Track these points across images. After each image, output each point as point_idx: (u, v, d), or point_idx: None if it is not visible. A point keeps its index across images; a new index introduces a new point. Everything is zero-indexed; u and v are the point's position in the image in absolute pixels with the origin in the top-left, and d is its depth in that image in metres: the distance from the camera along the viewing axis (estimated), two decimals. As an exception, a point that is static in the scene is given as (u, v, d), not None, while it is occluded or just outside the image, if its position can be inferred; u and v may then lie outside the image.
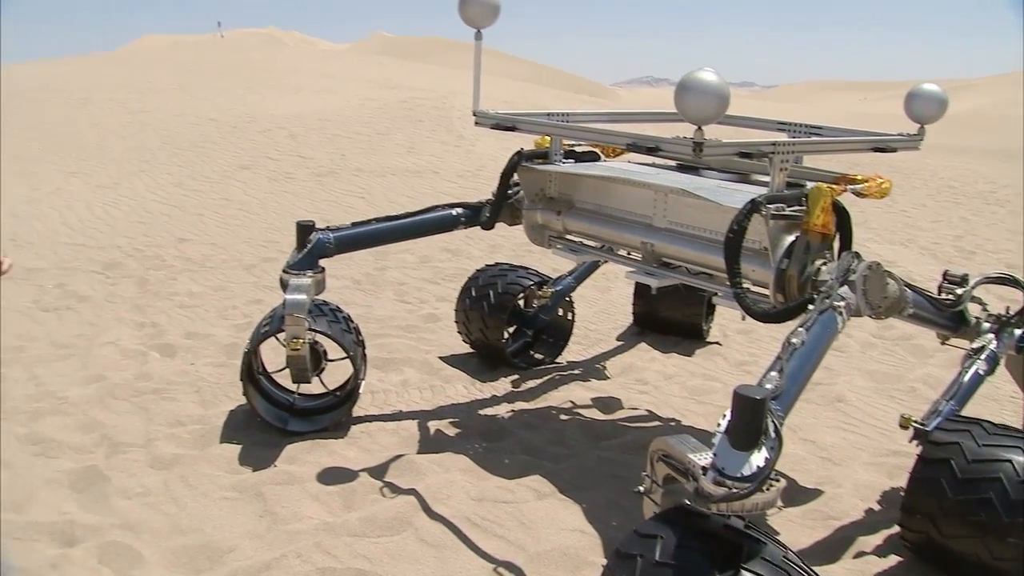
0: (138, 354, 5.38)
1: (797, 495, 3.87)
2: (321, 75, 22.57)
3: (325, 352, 4.38)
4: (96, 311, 6.26)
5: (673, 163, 4.35)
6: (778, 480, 2.33)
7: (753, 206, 3.16)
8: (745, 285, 3.31)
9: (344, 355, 4.32)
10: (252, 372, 4.37)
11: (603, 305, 6.58)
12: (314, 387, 4.48)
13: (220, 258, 7.78)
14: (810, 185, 3.36)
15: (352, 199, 10.31)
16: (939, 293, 3.84)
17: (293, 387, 4.42)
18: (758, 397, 2.32)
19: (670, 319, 5.77)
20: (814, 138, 4.31)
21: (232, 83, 20.19)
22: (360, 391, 4.43)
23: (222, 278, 7.16)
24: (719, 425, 2.38)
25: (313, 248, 4.20)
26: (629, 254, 4.24)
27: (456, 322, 5.33)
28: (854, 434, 4.57)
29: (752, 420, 2.32)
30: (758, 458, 2.29)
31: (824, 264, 3.29)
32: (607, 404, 4.82)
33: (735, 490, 2.25)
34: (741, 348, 5.75)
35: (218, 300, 6.55)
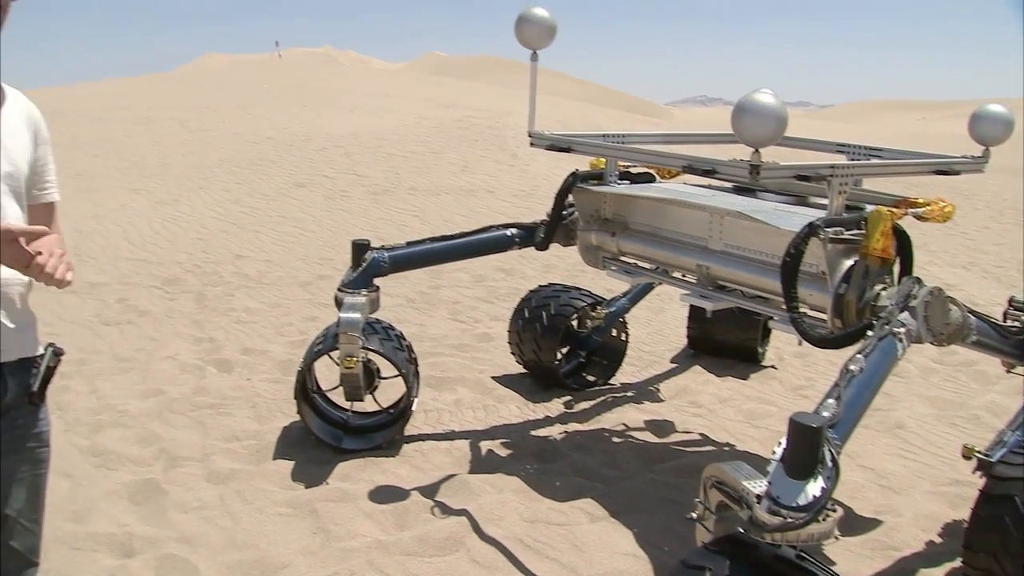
0: (196, 369, 5.47)
1: (855, 524, 3.79)
2: (376, 94, 22.86)
3: (378, 370, 4.41)
4: (156, 326, 6.38)
5: (729, 185, 4.32)
6: (835, 510, 2.27)
7: (811, 229, 3.12)
8: (802, 310, 3.26)
9: (397, 373, 4.35)
10: (306, 390, 4.42)
11: (657, 326, 6.53)
12: (367, 405, 4.51)
13: (276, 275, 7.88)
14: (870, 208, 3.31)
15: (406, 217, 10.38)
16: (1004, 319, 3.74)
17: (347, 405, 4.46)
18: (814, 425, 2.27)
19: (725, 342, 5.70)
20: (874, 160, 4.25)
21: (289, 102, 20.52)
22: (413, 409, 4.44)
23: (278, 295, 7.25)
24: (774, 453, 2.34)
25: (368, 267, 4.24)
26: (684, 276, 4.21)
27: (509, 343, 5.33)
28: (915, 462, 4.47)
29: (808, 449, 2.27)
30: (814, 487, 2.24)
31: (884, 289, 3.22)
32: (661, 427, 4.77)
33: (790, 520, 2.20)
34: (797, 372, 5.67)
35: (274, 317, 6.64)
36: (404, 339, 4.61)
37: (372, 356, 4.31)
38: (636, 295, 5.33)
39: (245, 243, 9.10)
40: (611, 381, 5.37)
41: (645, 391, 5.30)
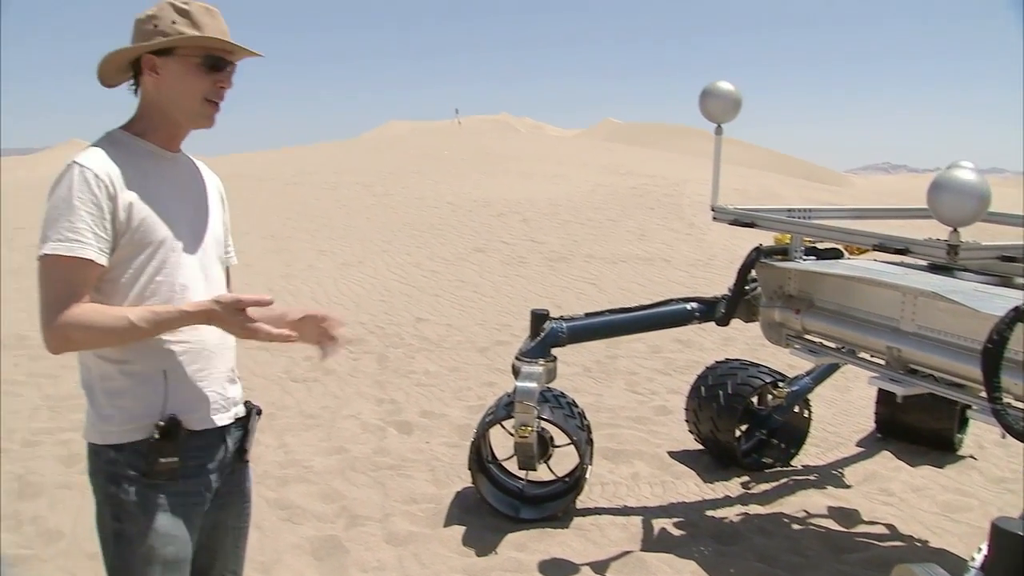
0: (377, 429, 5.64)
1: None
2: (551, 160, 23.24)
3: (552, 438, 4.40)
4: (340, 384, 6.64)
5: (924, 262, 4.13)
6: (1043, 632, 2.09)
7: (1017, 314, 2.93)
8: (1006, 400, 3.06)
9: (569, 441, 4.33)
10: (481, 460, 4.47)
11: (842, 406, 6.24)
12: (543, 473, 4.52)
13: (455, 339, 8.07)
14: (1086, 292, 3.09)
15: (583, 285, 10.43)
16: None
17: (521, 473, 4.48)
18: (1021, 534, 2.10)
19: (917, 428, 5.35)
20: None
21: (468, 168, 21.12)
22: (587, 477, 4.41)
23: (457, 359, 7.42)
24: (973, 559, 2.18)
25: (546, 337, 4.29)
26: (872, 357, 4.03)
27: (686, 420, 5.22)
28: None
29: (1013, 559, 2.09)
30: (1020, 604, 2.07)
31: (1104, 383, 2.99)
32: (848, 514, 4.51)
33: (989, 639, 2.04)
34: (1000, 463, 5.24)
35: (453, 380, 6.79)
36: (576, 406, 4.61)
37: (545, 424, 4.32)
38: (820, 375, 5.13)
39: (425, 306, 9.37)
40: (792, 463, 5.16)
41: (829, 475, 5.04)
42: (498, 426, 4.41)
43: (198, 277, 2.11)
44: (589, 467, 4.43)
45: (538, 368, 4.18)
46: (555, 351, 4.32)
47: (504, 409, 4.32)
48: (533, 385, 4.09)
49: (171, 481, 2.04)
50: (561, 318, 4.42)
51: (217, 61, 2.06)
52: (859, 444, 5.54)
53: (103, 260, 1.95)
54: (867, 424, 5.76)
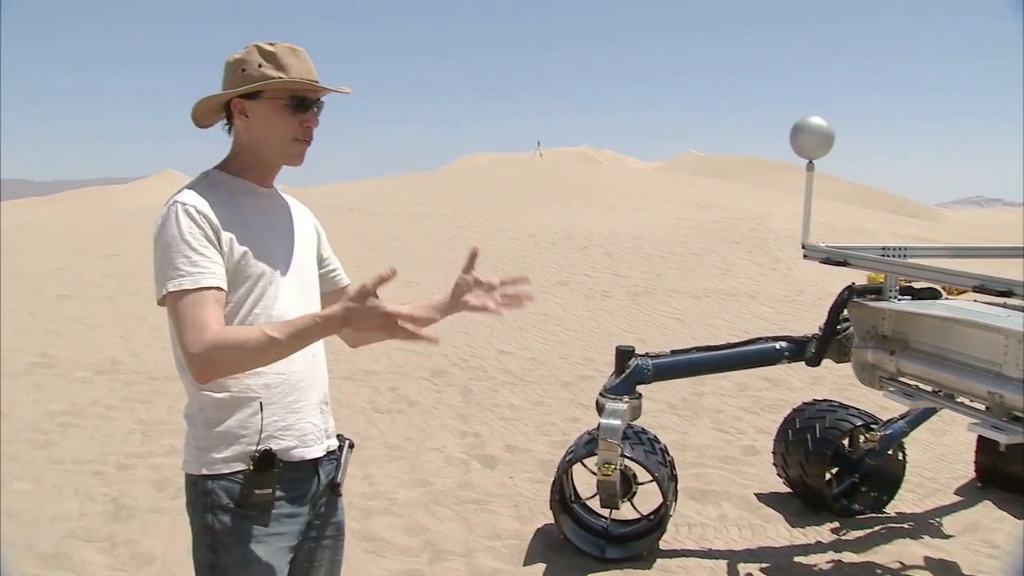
0: (461, 462, 5.65)
1: None
2: (633, 193, 23.09)
3: (635, 476, 4.34)
4: (424, 416, 6.69)
5: (1029, 303, 3.98)
6: None
7: None
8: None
9: (651, 478, 4.26)
10: (564, 500, 4.43)
11: (939, 451, 5.99)
12: (626, 512, 4.46)
13: (539, 373, 8.06)
14: None
15: (668, 320, 10.32)
16: None
17: (604, 512, 4.43)
18: None
19: (1022, 477, 5.11)
20: None
21: (549, 200, 21.13)
22: (671, 515, 4.33)
23: (541, 393, 7.41)
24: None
25: (631, 374, 4.25)
26: (972, 402, 3.88)
27: (774, 464, 5.10)
28: None
29: None
30: None
31: None
32: (947, 566, 4.32)
33: None
34: (1115, 516, 4.99)
35: (537, 415, 6.77)
36: (658, 442, 4.52)
37: (628, 462, 4.25)
38: (915, 419, 4.95)
39: (509, 339, 9.39)
40: (886, 510, 4.97)
41: (926, 523, 4.84)
42: (580, 464, 4.38)
43: (294, 308, 2.14)
44: (673, 505, 4.35)
45: (623, 405, 4.15)
46: (640, 388, 4.28)
47: (584, 448, 4.29)
48: (617, 423, 4.06)
49: (265, 513, 2.07)
50: (647, 355, 4.38)
51: (303, 101, 2.10)
52: (957, 492, 5.31)
53: (225, 286, 2.00)
54: (966, 470, 5.52)
